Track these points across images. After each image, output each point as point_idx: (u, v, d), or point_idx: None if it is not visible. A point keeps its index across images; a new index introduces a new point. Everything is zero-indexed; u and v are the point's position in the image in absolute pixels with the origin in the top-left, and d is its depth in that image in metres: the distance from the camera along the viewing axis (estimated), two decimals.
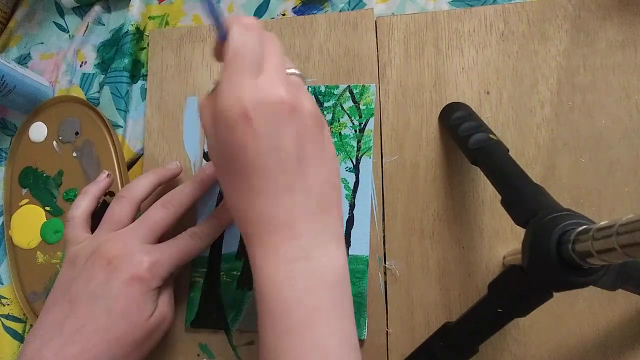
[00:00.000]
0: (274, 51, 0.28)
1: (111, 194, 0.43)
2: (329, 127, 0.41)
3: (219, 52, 0.28)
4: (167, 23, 0.48)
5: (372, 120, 0.40)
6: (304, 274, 0.26)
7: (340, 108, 0.41)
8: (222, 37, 0.27)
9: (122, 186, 0.43)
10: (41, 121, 0.46)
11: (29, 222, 0.44)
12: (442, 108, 0.39)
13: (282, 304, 0.26)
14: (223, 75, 0.27)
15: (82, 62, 0.49)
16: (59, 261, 0.43)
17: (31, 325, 0.43)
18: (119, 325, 0.32)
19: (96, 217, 0.42)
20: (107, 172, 0.40)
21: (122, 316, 0.32)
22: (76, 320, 0.31)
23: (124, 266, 0.32)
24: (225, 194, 0.29)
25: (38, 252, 0.43)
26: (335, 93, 0.41)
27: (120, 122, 0.45)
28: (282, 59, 0.28)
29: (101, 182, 0.39)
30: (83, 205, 0.38)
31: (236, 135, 0.26)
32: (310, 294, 0.26)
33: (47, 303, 0.34)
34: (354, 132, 0.40)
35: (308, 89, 0.42)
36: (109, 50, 0.48)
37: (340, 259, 0.28)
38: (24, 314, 0.44)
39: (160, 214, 0.35)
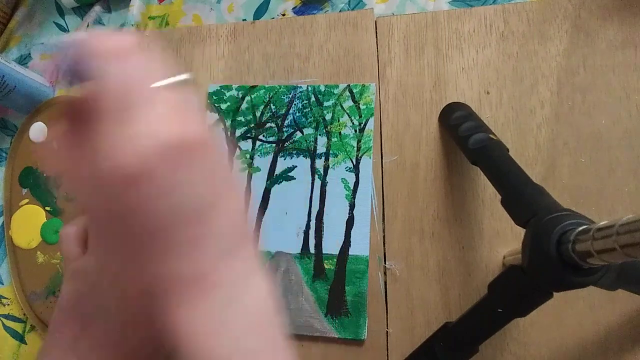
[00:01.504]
0: (156, 72, 0.23)
1: None
2: (329, 126, 0.41)
3: (77, 97, 0.23)
4: (167, 23, 0.48)
5: (372, 120, 0.40)
6: (233, 322, 0.24)
7: (340, 107, 0.41)
8: (80, 80, 0.21)
9: None
10: (41, 121, 0.46)
11: (29, 222, 0.44)
12: (442, 108, 0.39)
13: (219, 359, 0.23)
14: (100, 127, 0.21)
15: None
16: (59, 261, 0.43)
17: (32, 326, 0.43)
18: (134, 342, 0.31)
19: None
20: None
21: (136, 332, 0.31)
22: (89, 341, 0.31)
23: (135, 281, 0.32)
24: (116, 272, 0.25)
25: (38, 252, 0.43)
26: (335, 92, 0.41)
27: None
28: (164, 79, 0.23)
29: None
30: (79, 221, 0.37)
31: (127, 197, 0.21)
32: (243, 340, 0.24)
33: (54, 324, 0.33)
34: (354, 131, 0.40)
35: (307, 89, 0.42)
36: None
37: (263, 288, 0.25)
38: (24, 314, 0.44)
39: None
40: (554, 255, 0.23)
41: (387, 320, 0.37)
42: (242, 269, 0.25)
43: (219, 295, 0.24)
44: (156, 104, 0.22)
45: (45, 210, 0.44)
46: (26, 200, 0.45)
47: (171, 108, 0.22)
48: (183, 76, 0.23)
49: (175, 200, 0.22)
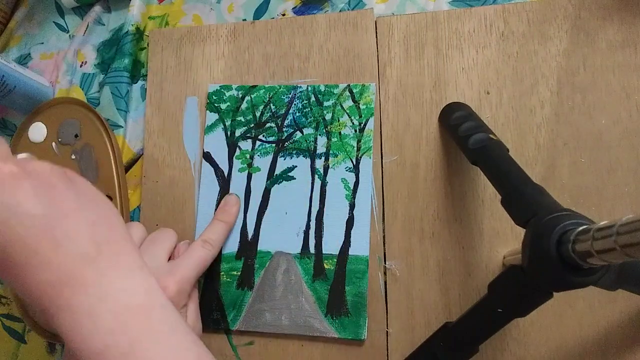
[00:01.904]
0: None
1: (108, 197, 0.42)
2: (329, 126, 0.41)
3: None
4: (167, 23, 0.48)
5: (372, 120, 0.40)
6: (105, 317, 0.25)
7: (340, 107, 0.41)
8: None
9: (120, 190, 0.43)
10: (41, 122, 0.46)
11: None
12: (442, 108, 0.39)
13: (94, 355, 0.25)
14: None
15: (82, 62, 0.49)
16: None
17: (29, 330, 0.43)
18: None
19: None
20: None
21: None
22: None
23: None
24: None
25: None
26: (335, 92, 0.41)
27: (121, 122, 0.45)
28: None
29: None
30: None
31: None
32: (118, 334, 0.25)
33: None
34: (353, 131, 0.40)
35: (307, 88, 0.42)
36: (109, 50, 0.48)
37: (143, 289, 0.27)
38: None
39: (169, 230, 0.36)
40: (554, 255, 0.23)
41: (387, 320, 0.37)
42: (110, 270, 0.26)
43: (88, 293, 0.25)
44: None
45: None
46: None
47: None
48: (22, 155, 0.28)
49: (9, 218, 0.24)
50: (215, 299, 0.39)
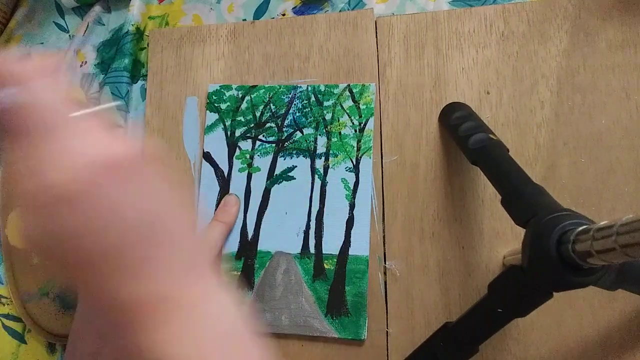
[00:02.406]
0: (55, 98, 0.21)
1: None
2: (329, 126, 0.41)
3: None
4: (167, 23, 0.48)
5: (372, 120, 0.40)
6: (202, 340, 0.23)
7: (340, 107, 0.41)
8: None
9: None
10: None
11: None
12: (442, 108, 0.39)
13: None
14: (12, 155, 0.21)
15: (82, 62, 0.49)
16: None
17: (29, 330, 0.43)
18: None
19: None
20: None
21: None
22: (111, 351, 0.31)
23: None
24: (77, 288, 0.24)
25: (34, 253, 0.43)
26: (335, 92, 0.41)
27: (120, 122, 0.45)
28: (76, 103, 0.22)
29: None
30: None
31: (62, 223, 0.20)
32: (216, 355, 0.24)
33: (72, 339, 0.33)
34: (353, 131, 0.40)
35: (308, 88, 0.42)
36: (109, 50, 0.48)
37: (229, 304, 0.25)
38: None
39: None
40: (554, 255, 0.23)
41: (387, 320, 0.37)
42: (204, 288, 0.25)
43: (184, 316, 0.23)
44: (80, 127, 0.21)
45: None
46: None
47: (97, 131, 0.22)
48: (109, 105, 0.23)
49: (113, 220, 0.21)
50: None
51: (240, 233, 0.40)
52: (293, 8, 0.45)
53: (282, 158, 0.41)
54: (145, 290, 0.22)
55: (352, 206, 0.39)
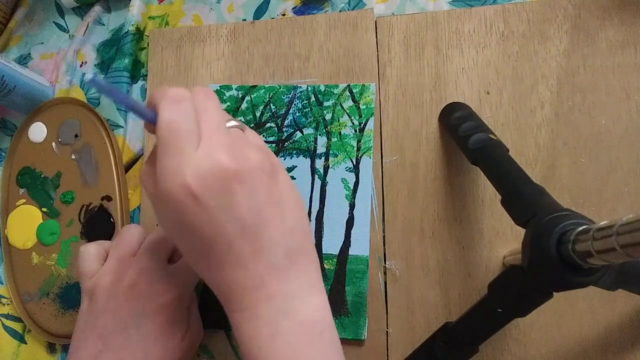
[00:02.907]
0: (210, 113, 0.26)
1: (108, 198, 0.42)
2: (329, 126, 0.41)
3: (153, 130, 0.26)
4: (167, 23, 0.48)
5: (372, 120, 0.40)
6: (285, 332, 0.26)
7: (340, 107, 0.41)
8: (152, 121, 0.26)
9: (120, 191, 0.43)
10: (41, 121, 0.46)
11: (25, 222, 0.44)
12: (442, 108, 0.39)
13: None
14: (158, 157, 0.25)
15: (82, 62, 0.49)
16: (54, 263, 0.43)
17: (29, 330, 0.43)
18: (156, 351, 0.32)
19: (93, 222, 0.42)
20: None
21: (158, 342, 0.32)
22: (112, 354, 0.31)
23: (150, 295, 0.32)
24: (192, 265, 0.29)
25: (33, 253, 0.43)
26: (335, 92, 0.41)
27: (121, 122, 0.45)
28: (219, 118, 0.27)
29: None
30: (100, 242, 0.37)
31: (188, 216, 0.25)
32: (293, 350, 0.26)
33: (75, 341, 0.33)
34: (353, 131, 0.40)
35: (308, 88, 0.42)
36: (109, 50, 0.48)
37: (320, 307, 0.28)
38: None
39: None
40: (554, 255, 0.23)
41: (387, 320, 0.37)
42: (296, 286, 0.27)
43: (273, 305, 0.26)
44: (207, 140, 0.25)
45: (42, 212, 0.44)
46: (23, 201, 0.45)
47: (224, 141, 0.26)
48: (235, 122, 0.29)
49: (226, 216, 0.25)
50: (215, 300, 0.39)
51: None
52: (293, 8, 0.45)
53: (282, 158, 0.41)
54: (245, 277, 0.26)
55: (352, 206, 0.39)
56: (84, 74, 0.24)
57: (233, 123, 0.29)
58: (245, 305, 0.26)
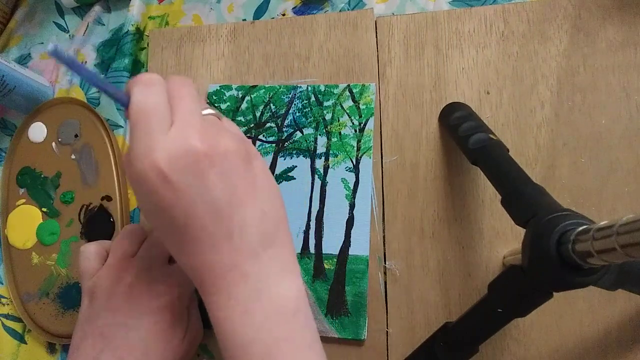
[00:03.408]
0: (183, 97, 0.27)
1: (108, 198, 0.42)
2: (329, 126, 0.41)
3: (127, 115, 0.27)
4: (167, 23, 0.48)
5: (372, 120, 0.40)
6: (257, 312, 0.26)
7: (340, 107, 0.41)
8: (124, 104, 0.26)
9: (120, 191, 0.43)
10: (41, 121, 0.46)
11: (25, 222, 0.44)
12: (442, 108, 0.39)
13: (240, 345, 0.26)
14: (130, 139, 0.26)
15: (82, 62, 0.49)
16: (53, 263, 0.43)
17: (29, 330, 0.43)
18: (156, 351, 0.32)
19: (93, 222, 0.42)
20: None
21: (158, 342, 0.32)
22: (112, 353, 0.31)
23: (150, 295, 0.32)
24: (168, 248, 0.29)
25: (33, 253, 0.43)
26: (335, 92, 0.41)
27: (121, 122, 0.45)
28: (193, 104, 0.27)
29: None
30: (101, 242, 0.37)
31: (159, 196, 0.25)
32: (266, 331, 0.26)
33: (75, 341, 0.33)
34: (353, 131, 0.40)
35: (308, 88, 0.42)
36: (109, 50, 0.48)
37: (294, 289, 0.28)
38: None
39: None
40: (554, 255, 0.23)
41: (387, 320, 0.37)
42: (269, 267, 0.27)
43: (246, 287, 0.26)
44: (179, 123, 0.26)
45: (42, 212, 0.44)
46: (22, 201, 0.45)
47: (197, 124, 0.26)
48: (212, 110, 0.29)
49: (197, 196, 0.25)
50: None
51: None
52: (293, 8, 0.45)
53: (282, 158, 0.41)
54: (218, 259, 0.26)
55: (352, 206, 0.39)
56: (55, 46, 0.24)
57: (209, 111, 0.29)
58: (219, 287, 0.27)
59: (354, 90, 0.41)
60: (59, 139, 0.45)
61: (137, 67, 0.47)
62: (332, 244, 0.39)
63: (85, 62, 0.49)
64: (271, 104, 0.42)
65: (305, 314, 0.28)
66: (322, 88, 0.42)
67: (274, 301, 0.27)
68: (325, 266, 0.38)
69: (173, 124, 0.26)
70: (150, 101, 0.26)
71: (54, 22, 0.51)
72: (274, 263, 0.27)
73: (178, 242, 0.27)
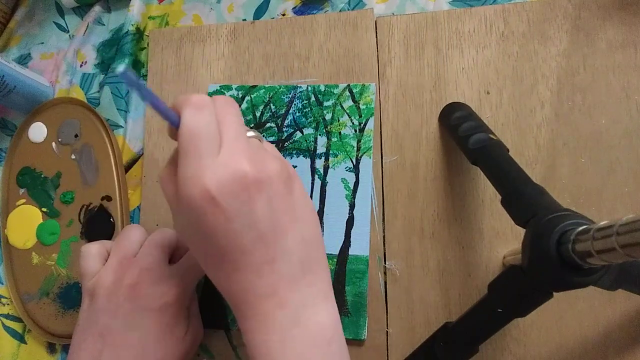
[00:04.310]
0: (230, 121, 0.27)
1: (108, 198, 0.42)
2: (329, 126, 0.41)
3: (175, 135, 0.27)
4: (167, 23, 0.48)
5: (372, 120, 0.40)
6: (295, 340, 0.26)
7: (340, 107, 0.41)
8: (175, 124, 0.26)
9: (120, 191, 0.43)
10: (41, 121, 0.46)
11: (25, 222, 0.44)
12: (442, 108, 0.39)
13: None
14: (180, 161, 0.26)
15: (82, 62, 0.49)
16: (53, 263, 0.43)
17: (29, 330, 0.43)
18: (157, 351, 0.32)
19: (93, 222, 0.42)
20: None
21: (158, 342, 0.32)
22: (112, 353, 0.31)
23: (151, 295, 0.32)
24: (205, 269, 0.29)
25: (33, 253, 0.43)
26: (335, 92, 0.41)
27: (121, 122, 0.45)
28: (240, 127, 0.27)
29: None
30: (102, 242, 0.37)
31: (206, 220, 0.25)
32: (303, 358, 0.26)
33: (75, 341, 0.33)
34: (353, 131, 0.40)
35: (308, 88, 0.42)
36: (109, 50, 0.48)
37: (331, 317, 0.28)
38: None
39: (169, 231, 0.35)
40: (554, 255, 0.23)
41: (387, 320, 0.37)
42: (309, 295, 0.27)
43: (284, 314, 0.26)
44: (228, 147, 0.26)
45: (42, 212, 0.44)
46: (23, 201, 0.45)
47: (245, 148, 0.26)
48: (254, 133, 0.29)
49: (244, 222, 0.25)
50: (215, 299, 0.39)
51: None
52: (293, 8, 0.45)
53: None
54: (258, 284, 0.26)
55: (352, 206, 0.39)
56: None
57: (252, 134, 0.29)
58: (256, 312, 0.26)
59: (354, 90, 0.41)
60: (59, 139, 0.45)
61: (137, 67, 0.47)
62: (332, 244, 0.39)
63: (85, 62, 0.49)
64: (271, 104, 0.42)
65: (339, 342, 0.28)
66: (322, 88, 0.42)
67: (311, 329, 0.27)
68: None
69: (222, 148, 0.26)
70: (201, 125, 0.25)
71: (54, 22, 0.51)
72: (312, 290, 0.27)
73: (218, 265, 0.27)
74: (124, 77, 0.23)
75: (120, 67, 0.22)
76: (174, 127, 0.26)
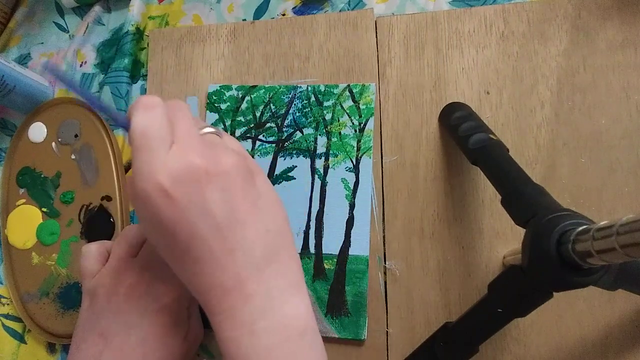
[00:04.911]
0: (181, 119, 0.27)
1: (108, 198, 0.42)
2: (329, 126, 0.41)
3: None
4: (167, 23, 0.48)
5: (372, 120, 0.40)
6: (265, 332, 0.26)
7: (340, 107, 0.41)
8: (127, 128, 0.27)
9: (120, 191, 0.43)
10: (41, 121, 0.46)
11: (25, 222, 0.44)
12: (442, 108, 0.39)
13: None
14: (133, 160, 0.26)
15: (82, 62, 0.49)
16: (53, 263, 0.43)
17: (29, 330, 0.43)
18: (157, 352, 0.32)
19: (93, 222, 0.42)
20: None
21: (159, 342, 0.32)
22: (113, 353, 0.31)
23: (151, 296, 0.32)
24: (171, 266, 0.29)
25: (33, 253, 0.43)
26: (335, 92, 0.41)
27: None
28: (191, 124, 0.27)
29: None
30: (102, 242, 0.37)
31: (162, 214, 0.25)
32: (273, 351, 0.26)
33: (75, 341, 0.33)
34: (353, 131, 0.40)
35: (308, 88, 0.42)
36: (109, 50, 0.48)
37: (303, 308, 0.28)
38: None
39: None
40: (554, 255, 0.23)
41: (387, 320, 0.37)
42: (275, 286, 0.27)
43: (251, 306, 0.26)
44: (179, 143, 0.26)
45: (42, 212, 0.44)
46: (23, 201, 0.45)
47: (196, 143, 0.26)
48: (212, 128, 0.29)
49: (199, 212, 0.25)
50: None
51: None
52: (293, 8, 0.45)
53: (282, 158, 0.41)
54: (221, 277, 0.26)
55: (352, 206, 0.39)
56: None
57: (209, 129, 0.29)
58: (223, 307, 0.26)
59: (354, 90, 0.41)
60: (59, 139, 0.45)
61: (137, 67, 0.47)
62: (332, 244, 0.39)
63: (85, 62, 0.49)
64: (271, 104, 0.42)
65: (313, 334, 0.27)
66: (322, 88, 0.42)
67: (280, 321, 0.26)
68: (325, 266, 0.38)
69: (173, 144, 0.26)
70: (151, 123, 0.26)
71: (54, 22, 0.51)
72: (279, 281, 0.27)
73: (181, 261, 0.27)
74: (51, 74, 0.23)
75: (51, 64, 0.23)
76: (126, 130, 0.27)
